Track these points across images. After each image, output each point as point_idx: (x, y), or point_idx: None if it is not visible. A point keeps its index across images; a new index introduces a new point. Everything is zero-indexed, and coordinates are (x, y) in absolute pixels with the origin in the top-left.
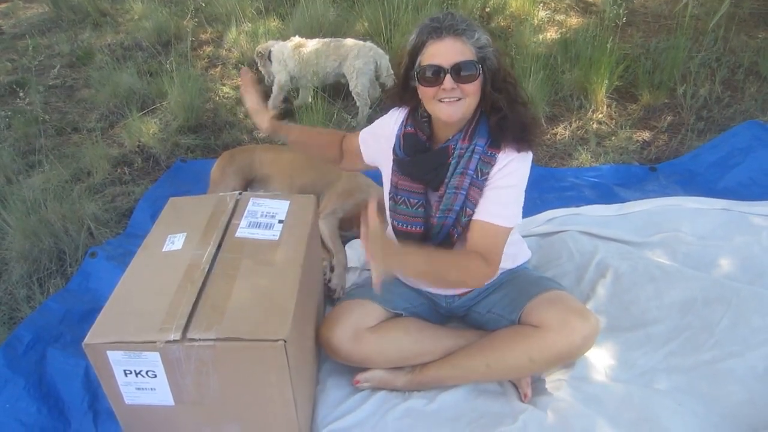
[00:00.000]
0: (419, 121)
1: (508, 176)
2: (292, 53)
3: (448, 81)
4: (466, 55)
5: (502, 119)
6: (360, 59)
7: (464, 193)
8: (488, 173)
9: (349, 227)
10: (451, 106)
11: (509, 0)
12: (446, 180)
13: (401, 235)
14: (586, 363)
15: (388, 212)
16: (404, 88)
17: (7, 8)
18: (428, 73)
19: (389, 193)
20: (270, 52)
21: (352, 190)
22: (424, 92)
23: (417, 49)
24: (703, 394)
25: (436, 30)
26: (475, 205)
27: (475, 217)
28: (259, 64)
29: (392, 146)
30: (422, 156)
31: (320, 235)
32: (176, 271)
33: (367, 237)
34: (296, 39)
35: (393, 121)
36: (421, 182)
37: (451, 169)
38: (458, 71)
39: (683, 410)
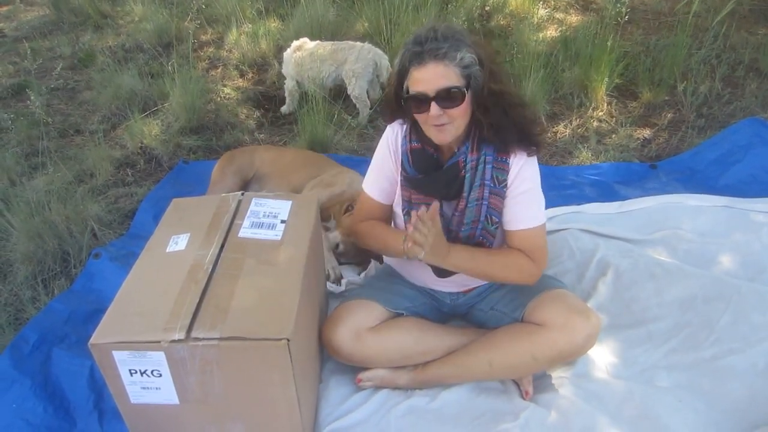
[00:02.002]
0: (422, 135)
1: (525, 181)
2: (292, 57)
3: (434, 108)
4: (450, 80)
5: (496, 131)
6: (359, 63)
7: (486, 203)
8: (505, 180)
9: (326, 218)
10: (441, 131)
11: None
12: (465, 193)
13: None
14: (587, 360)
15: (405, 227)
16: (397, 103)
17: (8, 11)
18: (414, 101)
19: (403, 209)
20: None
21: (332, 182)
22: (416, 116)
23: (402, 74)
24: (704, 391)
25: (418, 55)
26: (498, 212)
27: (509, 228)
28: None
29: (398, 164)
30: (434, 174)
31: None
32: (180, 271)
33: (417, 223)
34: (299, 41)
35: (393, 137)
36: (436, 197)
37: (467, 182)
38: (443, 97)
39: (684, 407)
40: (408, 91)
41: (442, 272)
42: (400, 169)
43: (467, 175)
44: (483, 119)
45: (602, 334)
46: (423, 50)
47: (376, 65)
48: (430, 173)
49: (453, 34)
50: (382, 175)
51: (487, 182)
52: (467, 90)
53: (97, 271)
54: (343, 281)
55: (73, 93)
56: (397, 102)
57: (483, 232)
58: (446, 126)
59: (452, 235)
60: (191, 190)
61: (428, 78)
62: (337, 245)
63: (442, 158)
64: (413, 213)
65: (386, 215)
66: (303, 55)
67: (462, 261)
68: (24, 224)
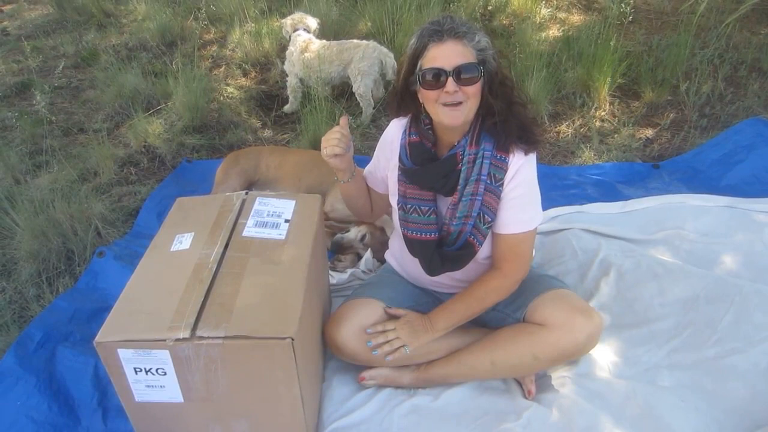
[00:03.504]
0: (422, 128)
1: (521, 185)
2: (300, 58)
3: (450, 84)
4: (467, 58)
5: (501, 122)
6: (364, 61)
7: (480, 199)
8: (502, 180)
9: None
10: (454, 111)
11: None
12: (460, 187)
13: (415, 243)
14: (589, 360)
15: (398, 222)
16: (403, 94)
17: (12, 10)
18: (430, 76)
19: (398, 203)
20: (290, 36)
21: None
22: (426, 96)
23: (418, 53)
24: (706, 390)
25: (437, 33)
26: (493, 212)
27: (498, 232)
28: (283, 31)
29: (397, 155)
30: (431, 165)
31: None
32: (184, 270)
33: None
34: (304, 37)
35: (395, 131)
36: (431, 190)
37: (462, 175)
38: (459, 74)
39: (686, 406)
40: (422, 69)
41: (432, 271)
42: (397, 163)
43: (463, 168)
44: (494, 104)
45: (604, 334)
46: (442, 29)
47: (382, 63)
48: (425, 165)
49: (468, 22)
50: (376, 164)
51: (483, 178)
52: (482, 71)
53: (101, 269)
54: (349, 270)
55: (77, 92)
56: (407, 87)
57: (474, 230)
58: (460, 105)
59: (444, 230)
60: (194, 189)
61: (446, 54)
62: (364, 236)
63: (438, 153)
64: (373, 334)
65: (375, 200)
66: (311, 57)
67: (446, 321)
68: (28, 222)
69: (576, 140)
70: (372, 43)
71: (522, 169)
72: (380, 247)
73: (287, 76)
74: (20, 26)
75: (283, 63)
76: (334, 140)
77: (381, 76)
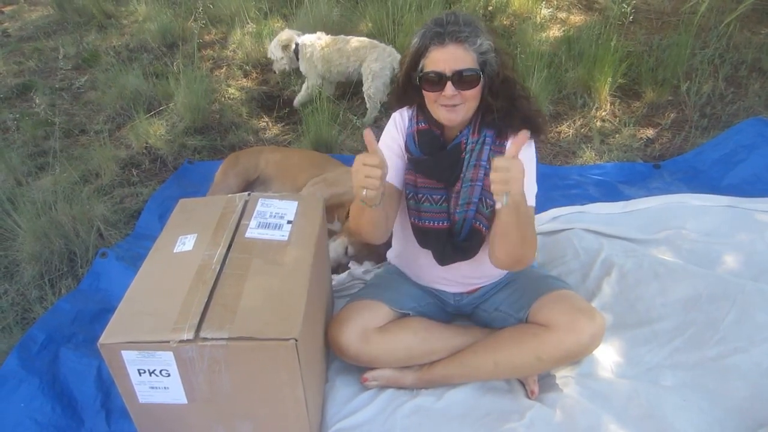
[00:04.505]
0: (430, 116)
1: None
2: (321, 53)
3: (449, 88)
4: (467, 62)
5: (501, 117)
6: (378, 62)
7: (480, 184)
8: None
9: (330, 219)
10: (452, 111)
11: None
12: (462, 174)
13: (429, 232)
14: (592, 360)
15: (409, 213)
16: (406, 86)
17: (13, 11)
18: (430, 79)
19: (408, 193)
20: (297, 46)
21: (336, 182)
22: (426, 95)
23: (420, 53)
24: (709, 390)
25: (439, 35)
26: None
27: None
28: (276, 54)
29: (403, 145)
30: (439, 155)
31: None
32: (188, 271)
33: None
34: (321, 37)
35: (399, 122)
36: (438, 180)
37: (465, 163)
38: (459, 78)
39: (689, 406)
40: (423, 70)
41: (444, 260)
42: (403, 153)
43: (467, 157)
44: (494, 104)
45: (607, 334)
46: (444, 31)
47: (394, 70)
48: (434, 154)
49: (472, 21)
50: (392, 153)
51: (482, 163)
52: (482, 74)
53: (103, 270)
54: (348, 271)
55: (78, 93)
56: (409, 82)
57: (477, 215)
58: (458, 107)
59: (450, 218)
60: (196, 190)
61: (447, 58)
62: (347, 249)
63: (446, 141)
64: (493, 161)
65: (393, 199)
66: (331, 51)
67: (522, 205)
68: (30, 224)
69: (577, 140)
70: (389, 48)
71: (522, 154)
72: (367, 253)
73: (296, 66)
74: (21, 27)
75: (288, 65)
76: (367, 174)
77: (391, 81)
